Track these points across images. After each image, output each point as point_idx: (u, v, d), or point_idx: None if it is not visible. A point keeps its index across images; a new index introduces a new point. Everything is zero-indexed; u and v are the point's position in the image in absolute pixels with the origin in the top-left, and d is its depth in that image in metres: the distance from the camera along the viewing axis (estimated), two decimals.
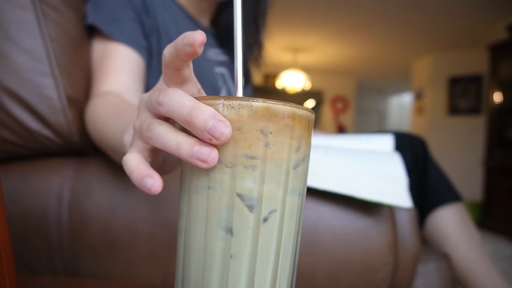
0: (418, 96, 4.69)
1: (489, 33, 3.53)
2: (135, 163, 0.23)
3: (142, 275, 0.44)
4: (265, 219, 0.20)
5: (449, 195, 0.66)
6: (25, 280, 0.32)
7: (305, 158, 0.22)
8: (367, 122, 7.59)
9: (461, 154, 4.10)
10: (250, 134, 0.19)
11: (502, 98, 3.02)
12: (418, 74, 4.74)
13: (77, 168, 0.46)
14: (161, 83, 0.25)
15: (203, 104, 0.19)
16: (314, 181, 0.42)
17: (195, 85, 0.25)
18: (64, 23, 0.46)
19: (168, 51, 0.22)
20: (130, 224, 0.43)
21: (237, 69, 0.23)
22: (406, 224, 0.45)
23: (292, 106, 0.20)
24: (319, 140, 0.61)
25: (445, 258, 0.56)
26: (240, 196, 0.19)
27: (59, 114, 0.44)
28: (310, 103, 3.92)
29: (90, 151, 0.49)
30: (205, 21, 0.74)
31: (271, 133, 0.19)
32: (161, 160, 0.26)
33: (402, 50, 4.42)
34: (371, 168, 0.41)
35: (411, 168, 0.68)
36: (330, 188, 0.41)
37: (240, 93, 0.23)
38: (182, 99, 0.20)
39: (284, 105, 0.20)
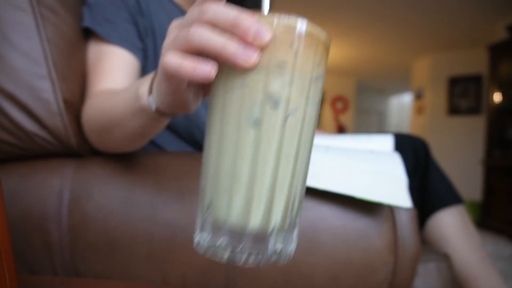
0: (418, 96, 4.69)
1: (488, 33, 3.53)
2: (179, 57, 0.23)
3: (142, 275, 0.44)
4: (289, 116, 0.23)
5: (451, 197, 0.66)
6: (26, 280, 0.32)
7: (323, 76, 0.25)
8: (367, 122, 7.58)
9: (460, 154, 4.10)
10: (283, 45, 0.22)
11: (502, 98, 3.02)
12: (418, 74, 4.74)
13: (77, 168, 0.46)
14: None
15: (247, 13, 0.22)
16: (314, 181, 0.42)
17: None
18: (62, 25, 0.46)
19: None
20: (130, 224, 0.43)
21: None
22: (406, 224, 0.45)
23: (317, 30, 0.24)
24: (319, 140, 0.61)
25: (445, 258, 0.56)
26: (269, 95, 0.23)
27: (56, 116, 0.44)
28: None
29: (87, 154, 0.49)
30: None
31: (300, 46, 0.23)
32: (186, 94, 0.27)
33: (402, 50, 4.42)
34: (370, 168, 0.41)
35: (412, 170, 0.68)
36: (330, 188, 0.41)
37: (266, 12, 0.26)
38: (227, 7, 0.22)
39: (311, 26, 0.23)
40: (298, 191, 0.25)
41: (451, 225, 0.64)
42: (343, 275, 0.43)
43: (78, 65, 0.49)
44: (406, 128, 7.21)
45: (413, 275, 0.45)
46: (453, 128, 4.22)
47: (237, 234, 0.23)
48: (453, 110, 4.23)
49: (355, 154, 0.46)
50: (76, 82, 0.48)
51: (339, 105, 6.08)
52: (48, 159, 0.48)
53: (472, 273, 0.62)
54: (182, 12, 0.67)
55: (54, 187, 0.44)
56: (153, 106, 0.30)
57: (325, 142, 0.60)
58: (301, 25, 0.23)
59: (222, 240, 0.23)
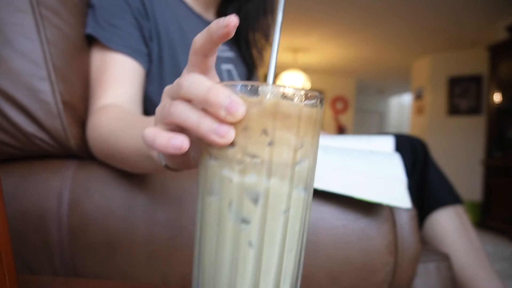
0: (418, 96, 4.69)
1: (488, 33, 3.53)
2: (155, 131, 0.23)
3: (141, 275, 0.44)
4: (271, 211, 0.21)
5: (449, 197, 0.66)
6: (26, 280, 0.32)
7: (310, 155, 0.23)
8: (367, 122, 7.58)
9: (461, 154, 4.10)
10: (256, 131, 0.20)
11: (502, 99, 3.02)
12: (418, 75, 4.74)
13: (77, 169, 0.46)
14: (184, 74, 0.25)
15: (220, 85, 0.21)
16: (314, 181, 0.42)
17: (215, 77, 0.27)
18: (64, 26, 0.46)
19: (199, 36, 0.23)
20: (130, 224, 0.43)
21: (272, 66, 0.24)
22: (406, 224, 0.45)
23: (299, 103, 0.21)
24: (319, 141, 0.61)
25: (445, 258, 0.56)
26: (246, 190, 0.21)
27: (55, 118, 0.44)
28: None
29: (86, 156, 0.49)
30: (210, 16, 0.74)
31: (275, 129, 0.20)
32: (190, 154, 0.27)
33: (402, 50, 4.42)
34: (370, 168, 0.41)
35: (411, 169, 0.68)
36: (329, 188, 0.41)
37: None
38: (201, 80, 0.21)
39: (292, 104, 0.21)
40: (288, 279, 0.22)
41: (448, 225, 0.64)
42: (343, 275, 0.43)
43: (80, 66, 0.49)
44: (406, 128, 7.21)
45: (413, 275, 0.45)
46: (453, 128, 4.21)
47: None
48: (453, 110, 4.23)
49: (355, 155, 0.46)
50: (78, 84, 0.48)
51: (339, 105, 6.08)
52: (48, 160, 0.48)
53: (469, 274, 0.61)
54: (188, 10, 0.66)
55: (54, 188, 0.44)
56: (163, 162, 0.29)
57: (325, 142, 0.60)
58: (278, 104, 0.20)
59: None
